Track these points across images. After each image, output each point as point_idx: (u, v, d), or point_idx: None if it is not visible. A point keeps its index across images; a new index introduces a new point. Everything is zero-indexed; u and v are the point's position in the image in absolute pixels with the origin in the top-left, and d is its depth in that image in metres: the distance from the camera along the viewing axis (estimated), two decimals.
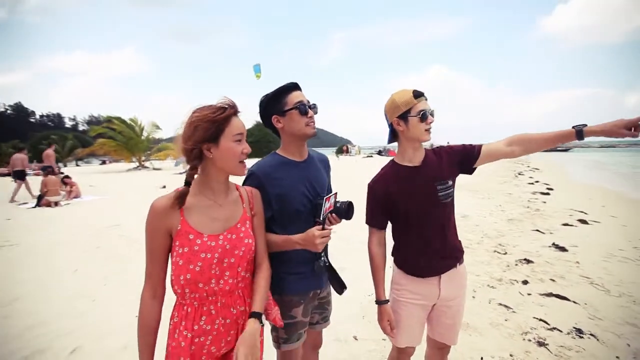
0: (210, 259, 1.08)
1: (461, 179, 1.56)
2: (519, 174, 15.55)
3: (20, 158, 9.75)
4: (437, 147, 1.56)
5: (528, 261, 4.14)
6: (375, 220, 1.54)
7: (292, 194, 1.38)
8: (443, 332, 1.57)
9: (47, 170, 8.64)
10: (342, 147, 44.91)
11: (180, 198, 1.08)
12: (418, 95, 1.38)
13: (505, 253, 4.50)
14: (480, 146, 1.48)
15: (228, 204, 1.19)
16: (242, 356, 1.03)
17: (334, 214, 1.36)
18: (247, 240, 1.18)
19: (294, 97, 1.37)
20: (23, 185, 9.63)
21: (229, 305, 1.13)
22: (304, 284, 1.43)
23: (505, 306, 3.04)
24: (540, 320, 2.78)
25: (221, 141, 1.09)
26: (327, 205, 1.34)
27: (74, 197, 9.61)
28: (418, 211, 1.46)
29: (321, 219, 1.31)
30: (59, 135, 35.02)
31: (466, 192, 9.55)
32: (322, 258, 1.38)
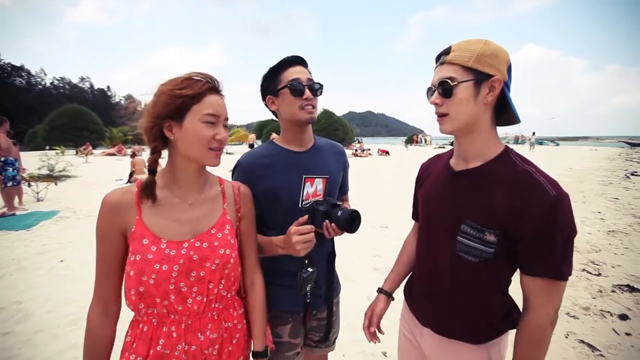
0: (167, 272, 0.86)
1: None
2: (632, 174, 12.56)
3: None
4: (526, 166, 0.88)
5: (632, 289, 3.22)
6: (413, 206, 1.26)
7: (286, 189, 1.15)
8: None
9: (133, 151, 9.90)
10: (412, 136, 42.80)
11: (145, 189, 0.91)
12: None
13: (599, 274, 3.59)
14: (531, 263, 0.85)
15: (202, 203, 0.98)
16: None
17: (333, 224, 1.06)
18: (224, 250, 0.94)
19: (289, 74, 1.14)
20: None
21: (196, 329, 0.91)
22: (295, 300, 1.19)
23: (590, 346, 2.37)
24: None
25: (186, 120, 0.89)
26: (311, 190, 1.09)
27: None
28: (425, 228, 1.09)
29: (300, 205, 1.07)
30: None
31: None
32: (309, 269, 1.09)
